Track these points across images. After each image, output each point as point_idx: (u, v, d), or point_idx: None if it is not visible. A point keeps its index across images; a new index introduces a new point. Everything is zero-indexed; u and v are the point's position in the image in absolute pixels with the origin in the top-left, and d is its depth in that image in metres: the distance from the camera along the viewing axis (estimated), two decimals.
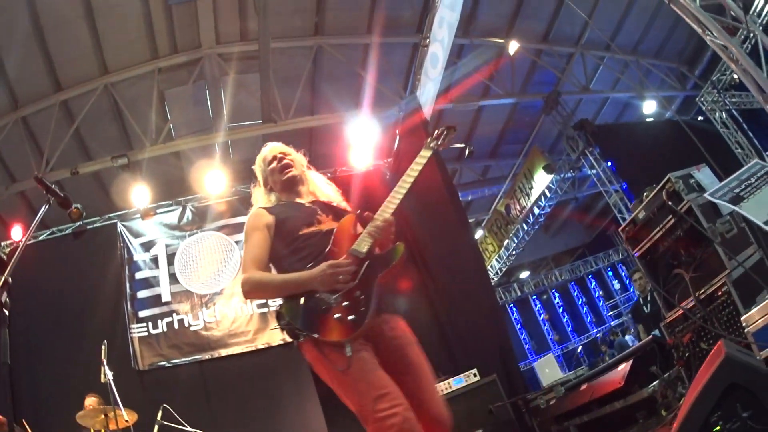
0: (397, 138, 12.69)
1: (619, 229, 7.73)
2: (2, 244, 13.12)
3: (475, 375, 8.48)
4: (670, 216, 6.19)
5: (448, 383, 8.58)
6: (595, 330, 24.94)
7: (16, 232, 12.71)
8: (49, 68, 12.70)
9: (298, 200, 4.24)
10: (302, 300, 3.60)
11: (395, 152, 12.81)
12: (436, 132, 4.17)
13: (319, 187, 4.42)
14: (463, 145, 14.31)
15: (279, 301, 3.75)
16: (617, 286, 26.27)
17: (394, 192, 3.86)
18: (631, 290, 23.74)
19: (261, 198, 4.37)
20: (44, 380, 11.00)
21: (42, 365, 11.19)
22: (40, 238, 12.85)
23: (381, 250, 3.78)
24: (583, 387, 8.04)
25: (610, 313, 25.16)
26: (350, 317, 3.47)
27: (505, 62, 15.42)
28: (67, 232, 13.15)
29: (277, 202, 4.27)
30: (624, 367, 7.10)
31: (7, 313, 3.47)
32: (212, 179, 12.74)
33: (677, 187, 6.10)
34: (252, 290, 3.85)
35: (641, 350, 7.15)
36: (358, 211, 4.04)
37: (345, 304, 3.50)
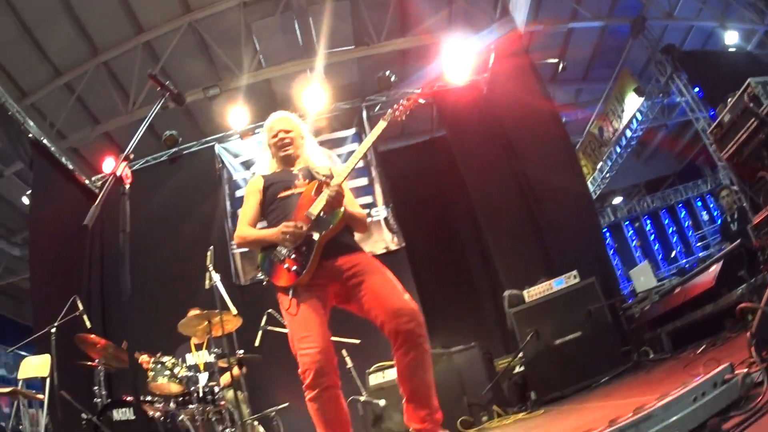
0: (492, 55, 12.61)
1: (708, 131, 7.67)
2: (93, 179, 13.45)
3: (575, 277, 8.47)
4: (753, 119, 6.15)
5: (549, 285, 8.58)
6: (684, 260, 24.62)
7: (108, 164, 12.99)
8: (128, 12, 13.04)
9: (290, 168, 4.85)
10: (266, 253, 4.44)
11: (491, 69, 12.73)
12: (393, 105, 4.74)
13: (311, 158, 4.92)
14: (556, 60, 14.23)
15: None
16: (705, 217, 25.82)
17: (348, 163, 4.57)
18: (719, 222, 23.44)
19: (266, 162, 5.12)
20: (144, 304, 11.27)
21: (141, 290, 11.35)
22: (135, 167, 13.08)
23: (330, 212, 4.35)
24: (676, 291, 8.02)
25: (699, 244, 24.83)
26: (294, 267, 4.25)
27: None
28: (162, 159, 13.54)
29: (273, 169, 4.97)
30: (715, 269, 7.05)
31: (127, 185, 3.65)
32: (310, 96, 12.86)
33: (757, 91, 6.07)
34: (239, 243, 4.76)
35: (730, 254, 7.08)
36: (323, 177, 4.57)
37: (293, 256, 4.28)
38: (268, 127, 5.01)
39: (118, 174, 3.63)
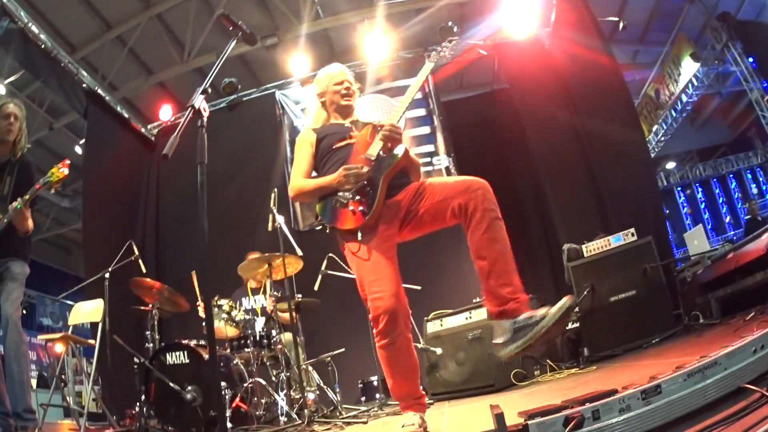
0: (554, 10, 12.49)
1: (764, 99, 7.59)
2: (148, 126, 13.55)
3: (633, 235, 8.45)
4: None
5: (608, 240, 8.57)
6: (732, 232, 24.44)
7: (165, 112, 13.10)
8: None
9: (341, 121, 4.73)
10: (327, 199, 4.31)
11: (553, 23, 12.61)
12: (438, 47, 4.73)
13: (363, 113, 4.86)
14: (616, 19, 14.10)
15: None
16: (755, 190, 25.59)
17: (400, 104, 4.43)
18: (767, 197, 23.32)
19: (313, 115, 4.95)
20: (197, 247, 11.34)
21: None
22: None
23: (388, 153, 4.26)
24: (729, 257, 7.95)
25: (747, 216, 24.67)
26: (360, 209, 4.13)
27: None
28: (221, 106, 13.62)
29: (323, 123, 4.82)
30: (767, 237, 6.98)
31: (205, 117, 3.67)
32: (372, 45, 12.88)
33: None
34: (296, 195, 4.57)
35: None
36: (375, 122, 4.49)
37: (357, 198, 4.15)
38: (331, 75, 4.83)
39: (197, 106, 3.62)
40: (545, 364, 8.02)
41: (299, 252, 7.58)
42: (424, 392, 4.20)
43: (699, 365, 2.40)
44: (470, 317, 8.24)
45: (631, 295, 8.18)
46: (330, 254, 8.38)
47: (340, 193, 4.17)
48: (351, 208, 4.13)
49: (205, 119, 3.68)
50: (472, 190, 3.87)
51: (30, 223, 5.85)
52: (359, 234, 4.08)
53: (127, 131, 13.13)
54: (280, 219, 7.32)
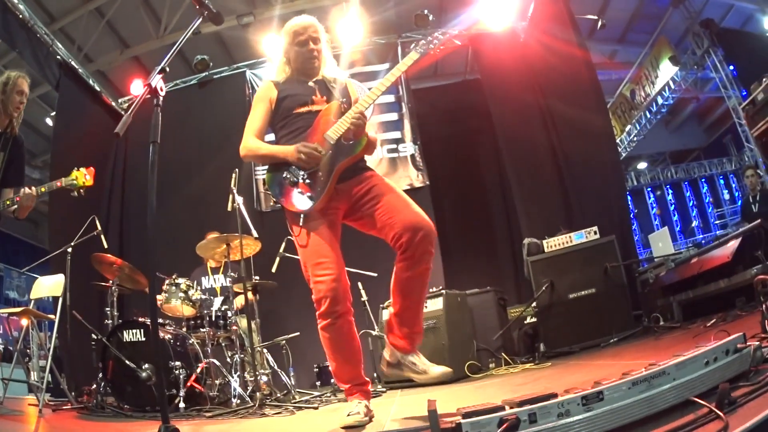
0: (532, 4, 12.50)
1: (740, 106, 7.65)
2: (120, 100, 13.50)
3: (595, 233, 8.51)
4: None
5: (569, 237, 8.63)
6: (701, 236, 24.61)
7: (136, 87, 13.05)
8: None
9: (306, 80, 4.49)
10: (278, 172, 4.18)
11: (530, 17, 12.62)
12: (429, 36, 4.37)
13: (328, 70, 4.62)
14: (595, 17, 14.12)
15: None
16: (726, 196, 25.81)
17: (374, 89, 4.16)
18: (739, 204, 23.44)
19: (276, 68, 4.67)
20: (164, 226, 11.31)
21: (161, 212, 11.49)
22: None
23: (350, 140, 4.12)
24: (693, 261, 8.00)
25: (717, 221, 24.85)
26: (308, 194, 4.04)
27: None
28: (192, 83, 13.62)
29: (287, 77, 4.56)
30: (733, 244, 6.99)
31: (161, 97, 3.64)
32: (346, 29, 12.80)
33: None
34: (246, 155, 4.36)
35: (750, 232, 7.05)
36: (342, 100, 4.31)
37: (308, 181, 4.06)
38: (295, 30, 4.47)
39: (153, 85, 3.59)
40: (500, 357, 8.04)
41: (255, 234, 7.48)
42: (369, 380, 4.19)
43: (646, 374, 2.35)
44: (426, 307, 8.24)
45: (590, 293, 8.29)
46: (288, 237, 8.38)
47: (292, 170, 4.09)
48: (299, 190, 4.06)
49: (161, 99, 3.65)
50: (417, 232, 3.88)
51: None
52: (301, 219, 4.05)
53: (98, 105, 13.07)
54: (240, 200, 7.27)
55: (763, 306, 2.97)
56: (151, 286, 3.55)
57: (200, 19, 4.12)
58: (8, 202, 5.68)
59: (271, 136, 4.47)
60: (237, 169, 7.61)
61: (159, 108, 3.62)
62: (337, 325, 3.89)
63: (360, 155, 4.20)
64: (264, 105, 4.42)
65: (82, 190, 6.14)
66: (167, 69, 3.79)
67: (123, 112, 13.47)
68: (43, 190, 5.75)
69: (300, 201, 4.04)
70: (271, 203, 12.15)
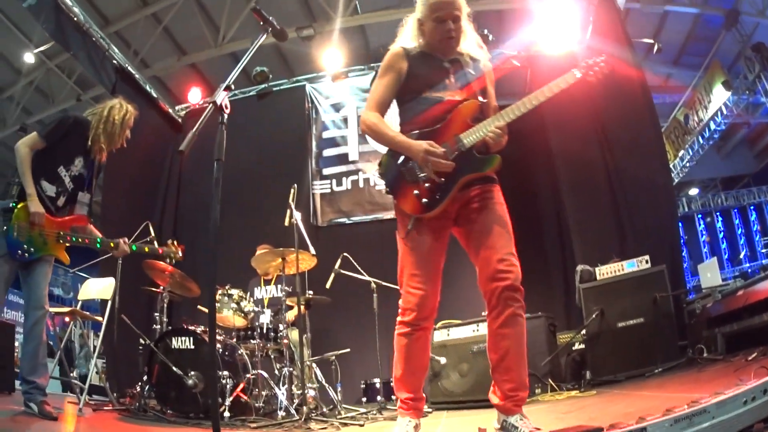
0: (590, 27, 12.47)
1: None
2: (176, 107, 13.62)
3: (647, 262, 8.47)
4: None
5: (621, 265, 8.62)
6: (748, 264, 24.33)
7: (194, 95, 13.22)
8: None
9: (442, 57, 4.14)
10: (399, 161, 3.97)
11: (588, 40, 12.56)
12: (590, 61, 4.05)
13: (468, 47, 4.23)
14: (651, 41, 14.05)
15: None
16: None
17: (522, 102, 3.85)
18: None
19: (410, 32, 4.26)
20: (220, 236, 11.42)
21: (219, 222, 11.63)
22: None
23: (484, 152, 3.89)
24: (739, 293, 7.94)
25: (764, 250, 24.53)
26: (424, 199, 3.84)
27: None
28: (251, 94, 13.68)
29: (419, 48, 4.18)
30: None
31: (227, 114, 3.68)
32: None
33: None
34: (366, 131, 4.14)
35: None
36: (482, 101, 4.03)
37: (427, 185, 3.84)
38: (435, 3, 4.01)
39: (218, 103, 3.62)
40: (547, 383, 8.02)
41: (312, 251, 7.58)
42: (425, 397, 4.16)
43: (687, 411, 2.42)
44: (477, 330, 8.28)
45: (639, 322, 8.24)
46: (345, 254, 8.43)
47: (415, 166, 3.85)
48: (416, 191, 3.84)
49: (225, 116, 3.68)
50: (500, 284, 3.64)
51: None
52: (412, 221, 3.88)
53: (154, 110, 13.13)
54: (297, 215, 7.34)
55: None
56: (211, 302, 3.62)
57: (264, 36, 4.11)
58: (111, 245, 5.99)
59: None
60: (295, 185, 7.67)
61: (224, 125, 3.65)
62: (415, 336, 3.88)
63: (489, 173, 3.94)
64: (392, 75, 4.10)
65: (171, 263, 6.57)
66: (232, 87, 3.82)
67: (179, 119, 13.61)
68: (146, 250, 5.96)
69: (414, 203, 3.86)
70: (329, 219, 12.37)
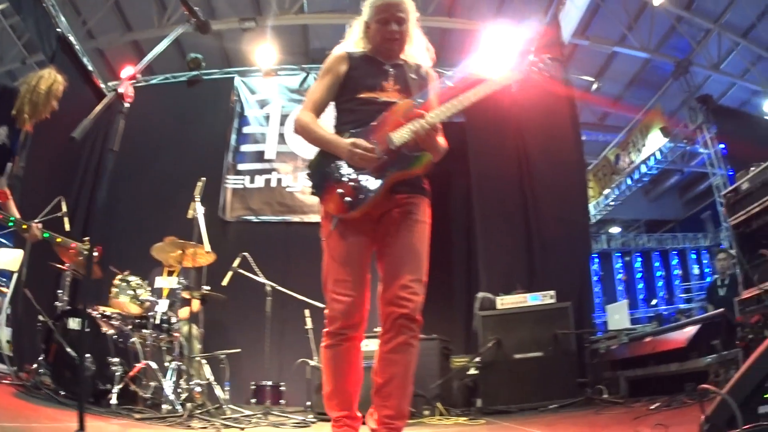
0: (531, 56, 12.55)
1: (722, 193, 7.70)
2: (109, 84, 13.45)
3: (552, 297, 8.53)
4: None
5: (524, 297, 8.68)
6: (664, 307, 24.71)
7: (126, 72, 12.95)
8: None
9: (383, 60, 4.07)
10: (325, 160, 3.84)
11: (526, 70, 12.67)
12: (530, 59, 4.13)
13: (414, 52, 4.20)
14: (592, 79, 14.20)
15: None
16: (696, 271, 25.89)
17: (457, 101, 3.78)
18: (708, 281, 23.54)
19: (355, 36, 4.19)
20: (123, 215, 11.51)
21: (128, 201, 11.67)
22: (153, 81, 13.39)
23: (413, 151, 3.74)
24: (646, 340, 8.04)
25: (682, 294, 24.93)
26: (348, 198, 3.69)
27: (645, 15, 15.10)
28: (181, 79, 13.55)
29: (363, 51, 4.10)
30: (690, 331, 7.04)
31: (127, 105, 3.60)
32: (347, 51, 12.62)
33: None
34: (299, 130, 3.99)
35: (710, 320, 7.08)
36: (419, 101, 3.92)
37: (351, 183, 3.70)
38: (379, 5, 4.00)
39: (120, 91, 3.54)
40: (436, 406, 8.00)
41: (207, 248, 7.45)
42: (362, 417, 3.80)
43: None
44: (367, 345, 8.24)
45: (537, 356, 8.27)
46: (244, 253, 8.36)
47: (339, 163, 3.76)
48: (341, 190, 3.71)
49: (126, 105, 3.60)
50: (403, 299, 3.57)
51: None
52: (334, 222, 3.77)
53: (88, 85, 12.85)
54: (201, 209, 7.27)
55: (704, 416, 2.97)
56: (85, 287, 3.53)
57: (185, 27, 4.16)
58: (24, 227, 5.99)
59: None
60: (204, 179, 7.59)
61: (123, 115, 3.56)
62: (342, 348, 3.69)
63: (416, 173, 3.81)
64: (330, 77, 4.01)
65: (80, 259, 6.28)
66: (139, 76, 3.75)
67: (106, 92, 13.41)
68: (57, 240, 5.92)
69: (338, 202, 3.72)
70: (237, 215, 12.26)
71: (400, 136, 3.70)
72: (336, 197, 3.72)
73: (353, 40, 4.19)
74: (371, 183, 3.68)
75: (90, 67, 12.69)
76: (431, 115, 3.70)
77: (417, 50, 4.21)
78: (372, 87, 3.94)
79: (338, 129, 3.92)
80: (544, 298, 8.61)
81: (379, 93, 3.94)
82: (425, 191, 3.96)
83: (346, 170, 3.73)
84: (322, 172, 3.84)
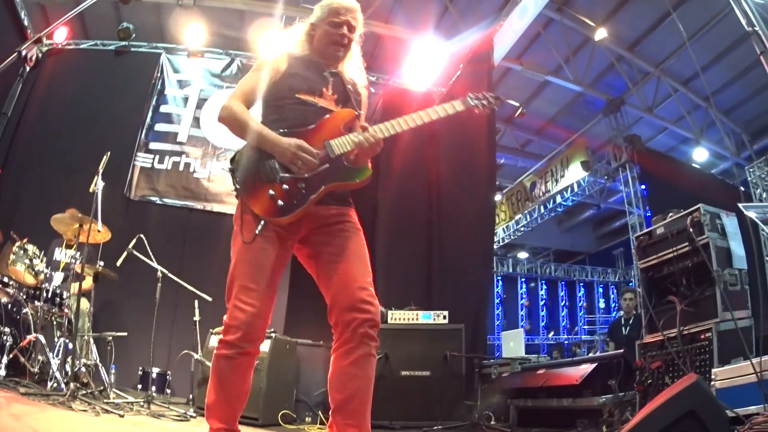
0: (459, 71, 12.61)
1: (635, 236, 7.81)
2: (44, 41, 13.17)
3: (444, 318, 8.55)
4: (687, 243, 6.24)
5: (416, 314, 8.69)
6: (565, 336, 25.05)
7: (60, 34, 12.71)
8: None
9: (323, 64, 4.00)
10: (257, 158, 3.63)
11: (451, 84, 12.73)
12: (482, 93, 4.04)
13: (350, 67, 4.14)
14: (517, 104, 14.28)
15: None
16: (602, 305, 26.35)
17: (404, 119, 3.76)
18: (614, 315, 23.92)
19: (299, 39, 4.11)
20: (32, 181, 11.21)
21: (36, 165, 11.36)
22: (82, 46, 12.91)
23: (353, 163, 3.70)
24: (540, 371, 8.12)
25: (585, 326, 25.30)
26: (280, 202, 3.50)
27: (585, 50, 15.26)
28: (110, 47, 13.23)
29: (303, 53, 4.04)
30: (585, 368, 7.10)
31: (27, 68, 3.53)
32: (268, 41, 12.55)
33: (703, 219, 6.14)
34: (226, 118, 3.79)
35: (608, 360, 7.19)
36: (358, 113, 3.88)
37: (285, 187, 3.52)
38: (335, 8, 3.95)
39: (23, 53, 3.44)
40: (318, 413, 8.00)
41: (99, 227, 7.31)
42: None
43: None
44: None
45: (425, 375, 8.26)
46: (141, 234, 8.26)
47: (273, 162, 3.56)
48: (272, 192, 3.51)
49: (27, 69, 3.52)
50: (360, 317, 3.45)
51: None
52: (260, 226, 3.53)
53: (20, 40, 12.61)
54: (101, 185, 7.16)
55: None
56: None
57: None
58: None
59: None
60: (109, 153, 7.48)
61: (22, 79, 3.48)
62: (236, 362, 3.46)
63: (356, 185, 3.73)
64: (268, 73, 3.87)
65: None
66: (44, 39, 3.66)
67: (39, 55, 13.12)
68: None
69: (268, 205, 3.52)
70: (142, 195, 12.01)
71: (341, 145, 3.64)
72: (266, 198, 3.53)
73: (294, 41, 4.11)
74: (307, 189, 3.55)
75: (26, 23, 12.42)
76: (376, 130, 3.67)
77: (352, 66, 4.15)
78: (311, 90, 3.83)
79: (268, 126, 3.72)
80: (437, 317, 8.61)
81: (317, 98, 3.83)
82: (351, 203, 3.87)
83: (279, 171, 3.55)
84: (252, 170, 3.63)
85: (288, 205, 3.50)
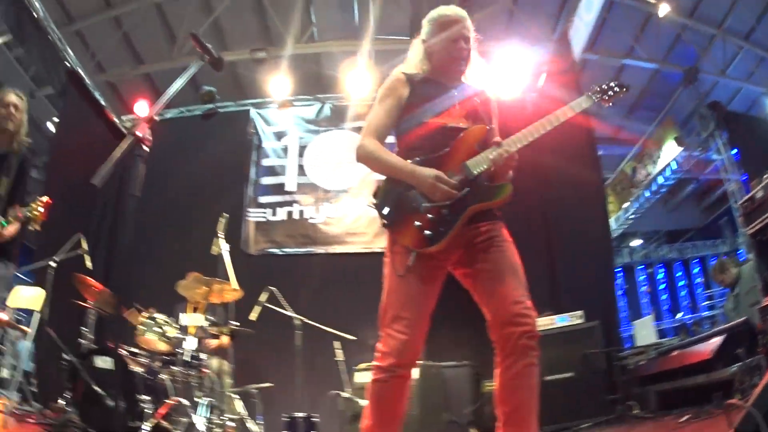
0: (544, 75, 12.50)
1: (738, 203, 7.63)
2: (123, 118, 13.41)
3: (580, 317, 8.49)
4: None
5: (552, 320, 8.66)
6: (689, 316, 24.54)
7: (141, 107, 12.95)
8: None
9: (447, 82, 3.91)
10: (398, 190, 3.62)
11: (540, 90, 12.61)
12: (604, 85, 3.96)
13: (473, 76, 4.04)
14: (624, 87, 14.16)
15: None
16: None
17: (533, 128, 3.71)
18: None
19: (415, 58, 4.03)
20: (146, 252, 11.49)
21: (147, 239, 11.66)
22: (167, 116, 13.05)
23: (491, 181, 3.66)
24: (674, 353, 7.96)
25: (705, 303, 24.76)
26: (427, 231, 3.49)
27: (650, 26, 15.22)
28: (196, 113, 13.49)
29: (424, 73, 3.94)
30: (715, 341, 6.98)
31: (147, 149, 3.54)
32: (355, 80, 12.69)
33: None
34: (363, 158, 3.77)
35: (734, 329, 7.00)
36: (489, 127, 3.79)
37: (430, 216, 3.50)
38: (445, 20, 3.90)
39: (139, 135, 3.44)
40: None
41: (234, 285, 7.45)
42: None
43: None
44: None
45: (568, 376, 8.24)
46: (271, 287, 8.31)
47: (417, 196, 3.53)
48: (418, 223, 3.50)
49: (145, 149, 3.55)
50: (518, 330, 3.41)
51: (9, 233, 5.74)
52: (412, 257, 3.53)
53: (101, 119, 12.83)
54: (225, 246, 7.25)
55: (733, 428, 2.92)
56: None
57: (198, 64, 3.87)
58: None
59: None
60: (227, 215, 7.58)
61: (143, 159, 3.50)
62: (390, 384, 3.48)
63: (498, 204, 3.68)
64: (392, 101, 3.84)
65: (37, 225, 5.92)
66: (156, 118, 3.69)
67: (125, 131, 13.36)
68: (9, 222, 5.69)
69: (416, 236, 3.52)
70: (260, 249, 12.20)
71: (477, 163, 3.58)
72: (413, 229, 3.53)
73: (412, 63, 4.03)
74: (450, 215, 3.51)
75: (102, 102, 12.68)
76: (508, 143, 3.62)
77: (475, 75, 4.06)
78: (439, 112, 3.78)
79: (402, 157, 3.73)
80: (573, 318, 8.59)
81: (446, 118, 3.77)
82: (500, 217, 3.79)
83: (422, 201, 3.52)
84: (396, 202, 3.63)
85: (435, 233, 3.49)
